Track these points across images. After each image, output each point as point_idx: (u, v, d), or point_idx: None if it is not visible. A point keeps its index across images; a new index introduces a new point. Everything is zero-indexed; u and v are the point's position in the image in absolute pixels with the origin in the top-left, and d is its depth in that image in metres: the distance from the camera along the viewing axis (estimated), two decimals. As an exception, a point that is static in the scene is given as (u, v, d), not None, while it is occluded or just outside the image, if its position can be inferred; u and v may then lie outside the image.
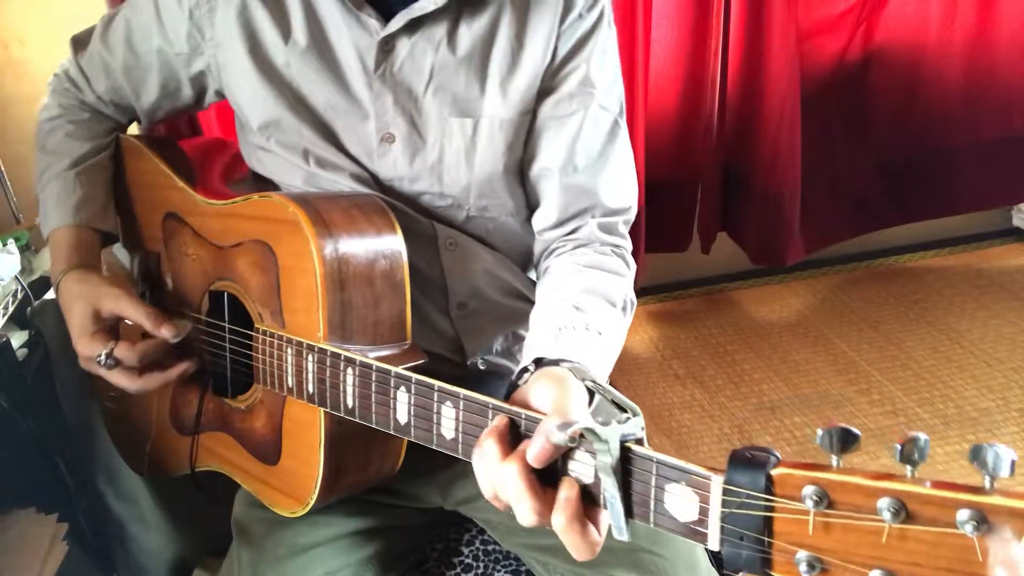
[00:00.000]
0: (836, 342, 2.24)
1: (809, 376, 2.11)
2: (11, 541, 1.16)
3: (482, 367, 0.94)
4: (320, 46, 0.87)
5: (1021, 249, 2.66)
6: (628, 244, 0.94)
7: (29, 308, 1.24)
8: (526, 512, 0.56)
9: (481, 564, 0.95)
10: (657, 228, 2.21)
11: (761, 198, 2.20)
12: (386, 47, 0.85)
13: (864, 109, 2.26)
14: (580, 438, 0.55)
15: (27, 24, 1.59)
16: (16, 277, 1.26)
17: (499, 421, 0.59)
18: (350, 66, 0.87)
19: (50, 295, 1.27)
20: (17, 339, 1.21)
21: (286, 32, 0.87)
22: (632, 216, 0.95)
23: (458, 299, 0.92)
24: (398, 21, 0.84)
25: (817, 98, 2.17)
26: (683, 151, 2.18)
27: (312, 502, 0.80)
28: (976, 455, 0.40)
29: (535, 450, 0.55)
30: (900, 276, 2.55)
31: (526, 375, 0.68)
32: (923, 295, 2.43)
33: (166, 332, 0.87)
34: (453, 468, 0.93)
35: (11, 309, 1.24)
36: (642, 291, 2.47)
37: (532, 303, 0.99)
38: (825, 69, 2.20)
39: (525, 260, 0.99)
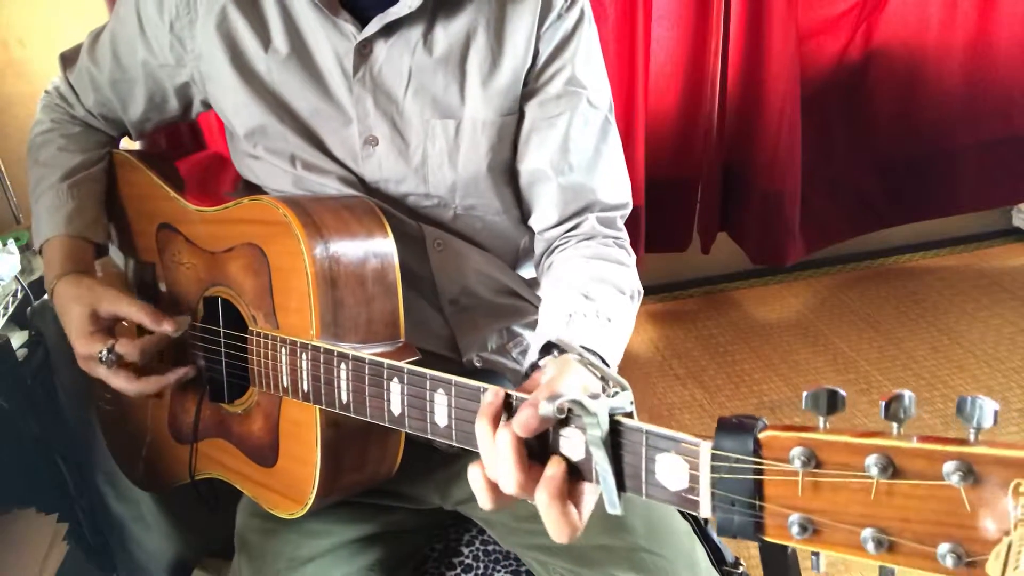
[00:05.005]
0: (836, 342, 2.24)
1: (809, 376, 2.11)
2: (11, 541, 1.16)
3: (478, 364, 0.95)
4: (300, 53, 0.88)
5: (1021, 249, 2.66)
6: (627, 236, 0.95)
7: (29, 308, 1.24)
8: (510, 482, 0.55)
9: (481, 564, 0.95)
10: (657, 228, 2.21)
11: (761, 198, 2.20)
12: (363, 51, 0.86)
13: (864, 109, 2.26)
14: (569, 412, 0.55)
15: (27, 24, 1.59)
16: (16, 277, 1.26)
17: (492, 397, 0.59)
18: (330, 71, 0.88)
19: (50, 295, 1.26)
20: (17, 339, 1.21)
21: (266, 40, 0.88)
22: (628, 211, 0.96)
23: (449, 297, 0.93)
24: (374, 25, 0.85)
25: (817, 98, 2.17)
26: (683, 151, 2.18)
27: (310, 502, 0.80)
28: (961, 408, 0.40)
29: (520, 419, 0.55)
30: (900, 276, 2.55)
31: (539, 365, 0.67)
32: (923, 295, 2.43)
33: (167, 327, 0.87)
34: (451, 467, 0.93)
35: (11, 309, 1.24)
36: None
37: (524, 300, 0.99)
38: (825, 69, 2.20)
39: (514, 258, 1.00)
